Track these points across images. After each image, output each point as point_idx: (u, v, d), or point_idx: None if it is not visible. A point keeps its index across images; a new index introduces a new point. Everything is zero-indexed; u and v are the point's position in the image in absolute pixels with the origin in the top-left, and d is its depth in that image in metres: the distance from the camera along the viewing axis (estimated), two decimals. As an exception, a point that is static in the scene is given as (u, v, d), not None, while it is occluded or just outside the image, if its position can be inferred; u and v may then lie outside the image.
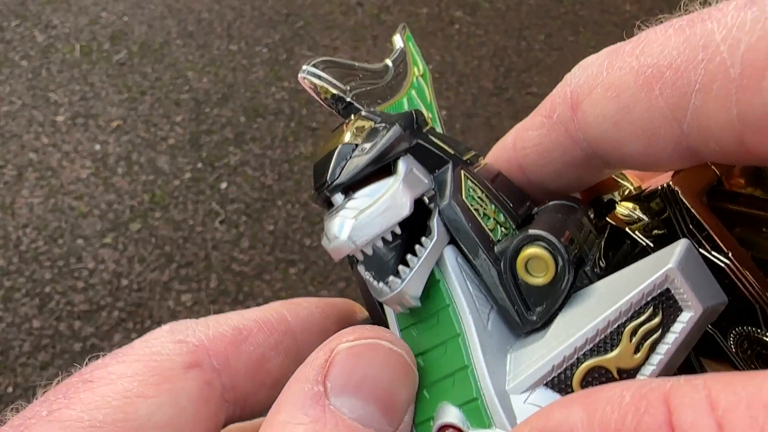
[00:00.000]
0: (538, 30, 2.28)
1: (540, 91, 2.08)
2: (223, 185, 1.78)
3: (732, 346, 0.24)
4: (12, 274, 1.58)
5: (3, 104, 1.91)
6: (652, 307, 0.21)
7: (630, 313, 0.21)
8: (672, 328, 0.21)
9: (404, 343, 0.25)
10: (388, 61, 0.30)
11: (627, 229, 0.27)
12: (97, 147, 1.83)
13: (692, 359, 0.25)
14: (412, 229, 0.25)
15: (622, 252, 0.26)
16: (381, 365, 0.24)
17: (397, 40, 0.31)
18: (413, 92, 0.30)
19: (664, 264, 0.21)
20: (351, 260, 0.26)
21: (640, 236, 0.26)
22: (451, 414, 0.24)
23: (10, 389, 1.41)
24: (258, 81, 2.03)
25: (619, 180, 0.29)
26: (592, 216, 0.28)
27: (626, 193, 0.29)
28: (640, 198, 0.27)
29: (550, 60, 2.19)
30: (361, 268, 0.26)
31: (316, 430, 0.22)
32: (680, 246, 0.22)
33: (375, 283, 0.25)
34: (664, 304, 0.21)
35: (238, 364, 0.26)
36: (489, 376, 0.23)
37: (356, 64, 0.29)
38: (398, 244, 0.26)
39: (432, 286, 0.25)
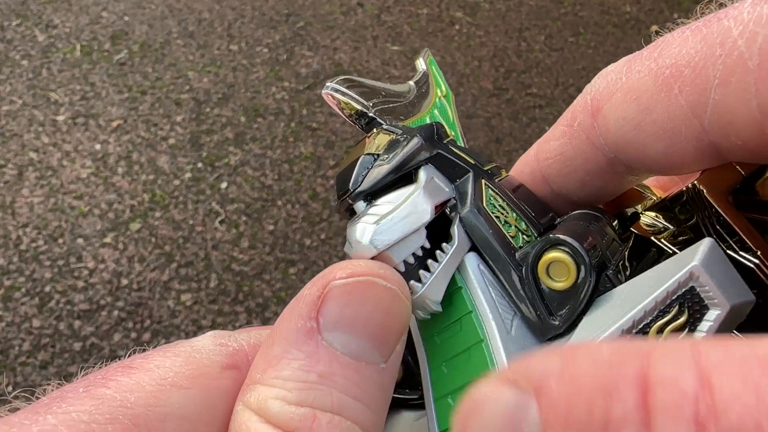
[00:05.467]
0: (538, 31, 2.28)
1: (540, 91, 2.09)
2: (223, 185, 1.78)
3: None
4: (12, 274, 1.58)
5: (3, 103, 1.91)
6: (677, 306, 0.21)
7: (655, 313, 0.21)
8: (699, 327, 0.20)
9: (397, 276, 0.24)
10: (411, 83, 0.31)
11: (652, 237, 0.26)
12: (98, 146, 1.83)
13: None
14: (438, 240, 0.26)
15: (647, 260, 0.26)
16: (374, 302, 0.24)
17: (420, 64, 0.32)
18: (436, 111, 0.31)
19: (689, 262, 0.21)
20: None
21: (666, 244, 0.26)
22: None
23: (9, 388, 1.42)
24: (258, 81, 2.03)
25: (643, 192, 0.29)
26: (616, 226, 0.28)
27: (650, 203, 0.28)
28: (665, 205, 0.26)
29: (550, 61, 2.19)
30: None
31: (311, 365, 0.23)
32: (704, 244, 0.21)
33: None
34: (689, 303, 0.21)
35: None
36: None
37: (378, 84, 0.30)
38: (426, 252, 0.26)
39: (454, 293, 0.25)
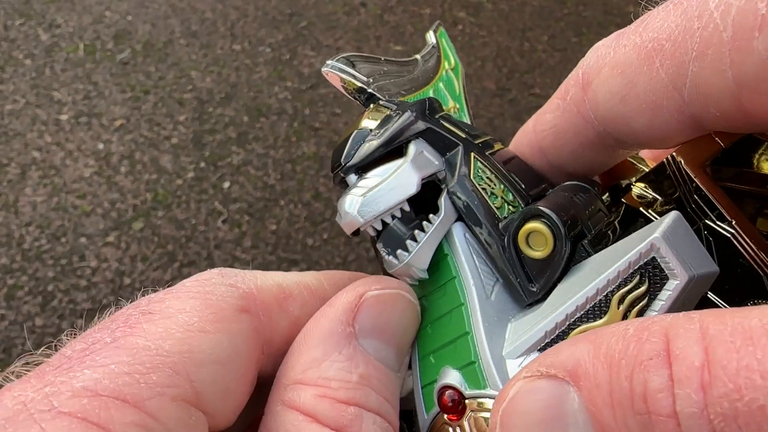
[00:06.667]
0: (541, 31, 2.28)
1: (543, 92, 2.08)
2: (226, 185, 1.78)
3: None
4: (15, 272, 1.58)
5: (7, 103, 1.92)
6: (638, 276, 0.22)
7: (618, 282, 0.22)
8: (659, 296, 0.21)
9: (415, 294, 0.27)
10: (418, 56, 0.32)
11: (641, 208, 0.27)
12: (101, 146, 1.84)
13: None
14: (428, 211, 0.27)
15: (633, 229, 0.27)
16: (401, 314, 0.26)
17: (430, 37, 0.33)
18: (441, 84, 0.32)
19: (650, 234, 0.22)
20: (372, 239, 0.28)
21: (653, 214, 0.27)
22: (451, 376, 0.25)
23: (12, 387, 1.42)
24: (261, 81, 2.03)
25: (636, 164, 0.30)
26: (606, 197, 0.30)
27: (640, 175, 0.29)
28: (650, 176, 0.27)
29: (553, 61, 2.19)
30: (379, 245, 0.28)
31: (352, 367, 0.24)
32: (669, 217, 0.22)
33: (387, 256, 0.27)
34: (650, 273, 0.22)
35: (279, 321, 0.26)
36: (486, 341, 0.25)
37: (382, 57, 0.31)
38: (417, 224, 0.28)
39: (441, 260, 0.27)
